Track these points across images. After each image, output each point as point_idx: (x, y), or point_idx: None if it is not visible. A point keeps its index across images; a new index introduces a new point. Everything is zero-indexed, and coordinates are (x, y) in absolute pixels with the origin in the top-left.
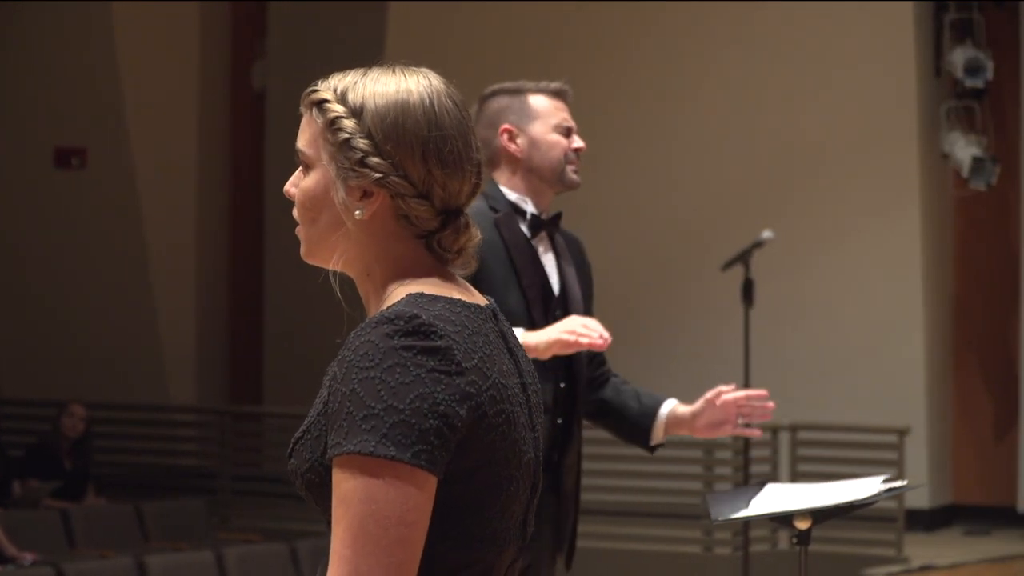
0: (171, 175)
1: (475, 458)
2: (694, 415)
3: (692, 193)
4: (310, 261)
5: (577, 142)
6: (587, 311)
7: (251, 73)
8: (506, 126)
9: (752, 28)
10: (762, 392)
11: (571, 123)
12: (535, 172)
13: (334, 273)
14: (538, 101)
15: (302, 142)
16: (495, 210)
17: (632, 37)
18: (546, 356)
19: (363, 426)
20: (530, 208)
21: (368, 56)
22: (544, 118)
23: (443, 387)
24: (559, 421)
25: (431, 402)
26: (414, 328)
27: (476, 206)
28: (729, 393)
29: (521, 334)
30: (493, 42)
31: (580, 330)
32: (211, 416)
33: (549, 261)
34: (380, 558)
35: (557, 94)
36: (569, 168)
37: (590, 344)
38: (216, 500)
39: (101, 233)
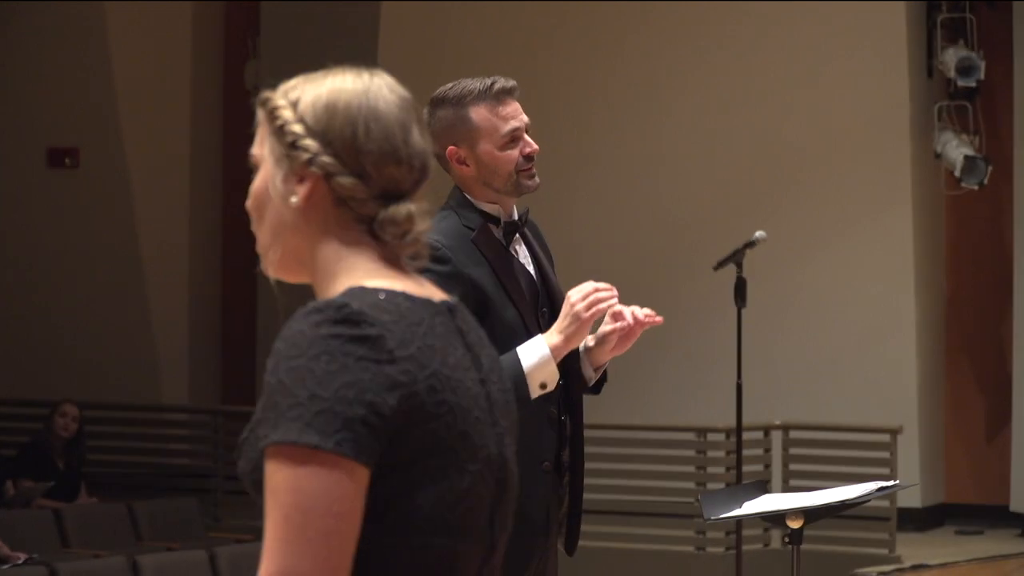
0: (164, 175)
1: (414, 447)
2: (600, 343)
3: (684, 193)
4: (273, 275)
5: (529, 145)
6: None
7: (244, 73)
8: (451, 148)
9: (744, 28)
10: (650, 314)
11: (519, 124)
12: (490, 186)
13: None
14: (480, 115)
15: (254, 145)
16: (470, 228)
17: (623, 36)
18: (577, 344)
19: (288, 415)
20: (501, 215)
21: (361, 56)
22: (488, 134)
23: (371, 375)
24: (563, 419)
25: (357, 390)
26: (343, 317)
27: (452, 225)
28: (621, 321)
29: (539, 343)
30: (485, 42)
31: (590, 303)
32: (204, 416)
33: (525, 258)
34: (307, 550)
35: (500, 95)
36: (522, 176)
37: (607, 309)
38: (209, 499)
39: (94, 233)
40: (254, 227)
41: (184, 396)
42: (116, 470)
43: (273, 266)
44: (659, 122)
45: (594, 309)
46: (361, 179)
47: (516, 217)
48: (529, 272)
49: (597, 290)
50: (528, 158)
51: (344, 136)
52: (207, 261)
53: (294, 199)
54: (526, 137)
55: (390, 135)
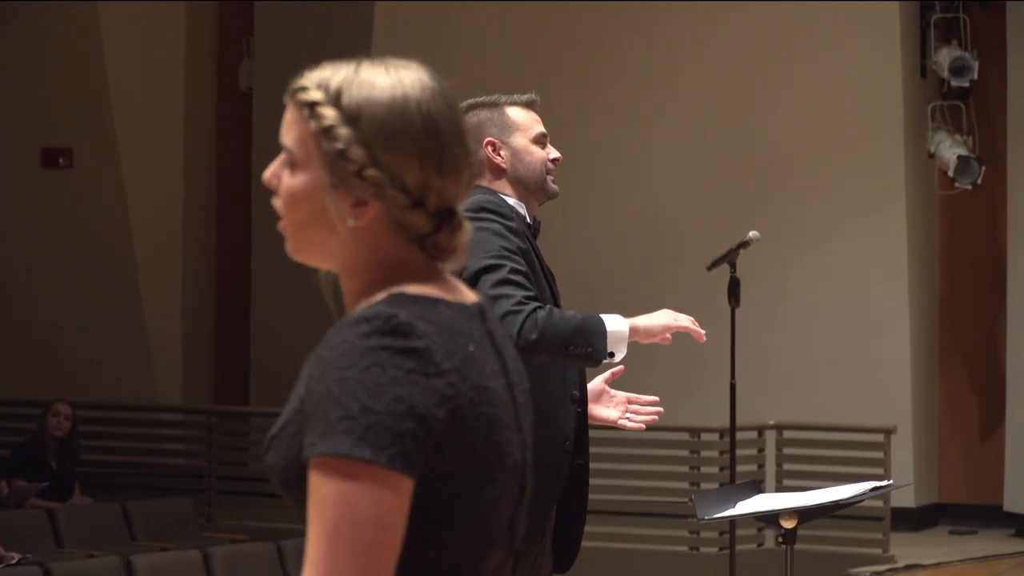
0: (158, 175)
1: (453, 460)
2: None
3: (677, 193)
4: (296, 257)
5: (553, 152)
6: None
7: (237, 73)
8: (489, 139)
9: (737, 27)
10: (652, 399)
11: (545, 131)
12: (520, 182)
13: (326, 279)
14: (515, 113)
15: (289, 139)
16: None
17: (617, 36)
18: (643, 339)
19: (339, 427)
20: (526, 214)
21: (354, 56)
22: (523, 130)
23: (420, 389)
24: (579, 411)
25: (408, 404)
26: (392, 328)
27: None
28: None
29: (619, 318)
30: (479, 42)
31: (679, 317)
32: (198, 416)
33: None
34: (355, 561)
35: (529, 105)
36: (549, 178)
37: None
38: (203, 499)
39: (88, 233)
40: (283, 216)
41: (178, 396)
42: (110, 470)
43: (308, 261)
44: (652, 123)
45: (681, 324)
46: (422, 206)
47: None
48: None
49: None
50: (553, 162)
51: (412, 167)
52: (201, 261)
53: (352, 222)
54: (549, 145)
55: (454, 156)
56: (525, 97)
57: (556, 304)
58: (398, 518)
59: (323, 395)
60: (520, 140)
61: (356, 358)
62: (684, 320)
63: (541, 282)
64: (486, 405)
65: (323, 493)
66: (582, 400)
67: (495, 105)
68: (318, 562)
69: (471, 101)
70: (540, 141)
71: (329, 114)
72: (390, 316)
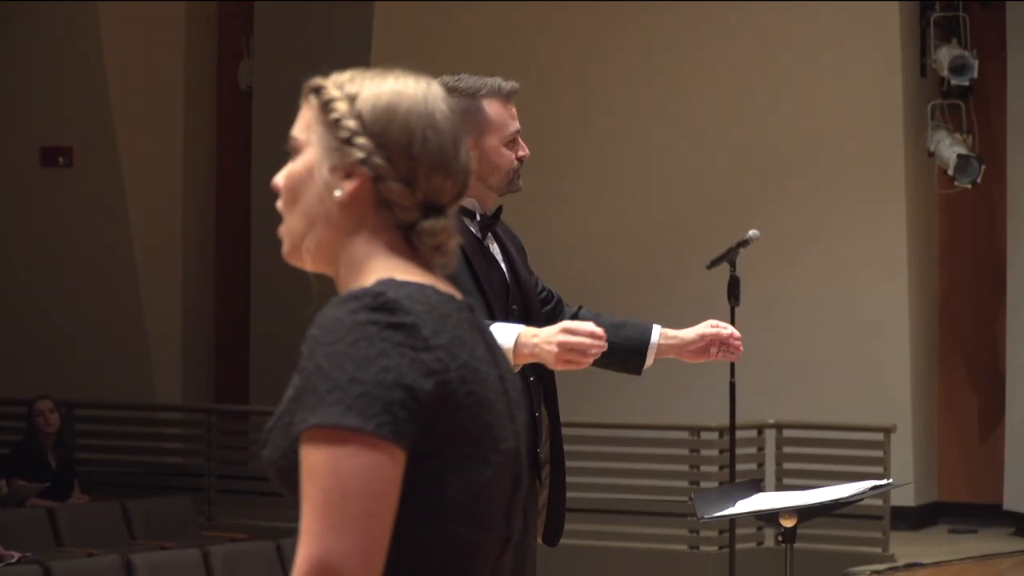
0: (157, 174)
1: (445, 435)
2: (683, 343)
3: (677, 192)
4: (292, 260)
5: (522, 149)
6: (533, 286)
7: (237, 72)
8: None
9: (738, 26)
10: (735, 333)
11: (519, 127)
12: (483, 181)
13: (316, 276)
14: (492, 109)
15: (296, 128)
16: None
17: (617, 36)
18: (535, 361)
19: (327, 399)
20: (477, 210)
21: (354, 56)
22: (497, 130)
23: (408, 360)
24: (537, 414)
25: (396, 374)
26: (380, 304)
27: None
28: (717, 328)
29: (510, 333)
30: (479, 42)
31: (576, 348)
32: (197, 415)
33: (497, 255)
34: (347, 531)
35: (509, 96)
36: (515, 176)
37: (580, 363)
38: (202, 498)
39: (87, 232)
40: (283, 209)
41: (177, 395)
42: (110, 469)
43: (302, 255)
44: (651, 122)
45: (571, 357)
46: (409, 186)
47: (492, 213)
48: (501, 268)
49: (594, 336)
50: (520, 161)
51: (400, 141)
52: (200, 260)
53: (339, 193)
54: (520, 140)
55: (444, 147)
56: (508, 87)
57: (513, 294)
58: (390, 488)
59: (312, 371)
60: (492, 141)
61: (343, 333)
62: (587, 335)
63: (466, 286)
64: (476, 384)
65: (313, 463)
66: (540, 408)
67: (474, 95)
68: (311, 535)
69: (452, 82)
70: (512, 141)
71: (332, 92)
72: (378, 293)
